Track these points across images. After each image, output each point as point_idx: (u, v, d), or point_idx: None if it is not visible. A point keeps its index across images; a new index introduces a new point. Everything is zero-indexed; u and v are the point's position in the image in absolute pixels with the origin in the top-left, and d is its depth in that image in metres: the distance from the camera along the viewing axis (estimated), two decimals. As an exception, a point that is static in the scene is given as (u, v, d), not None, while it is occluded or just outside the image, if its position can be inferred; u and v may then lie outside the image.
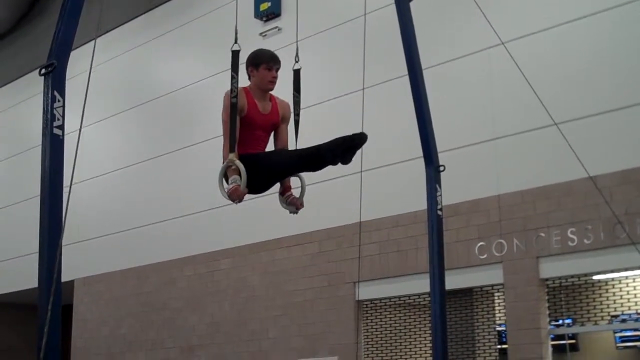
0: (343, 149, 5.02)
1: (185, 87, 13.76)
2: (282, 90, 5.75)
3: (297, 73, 5.94)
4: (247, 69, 5.51)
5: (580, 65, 9.15)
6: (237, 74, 5.34)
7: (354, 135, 5.01)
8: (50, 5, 17.02)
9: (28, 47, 17.52)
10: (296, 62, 5.95)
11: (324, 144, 5.04)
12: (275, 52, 5.62)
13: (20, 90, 17.51)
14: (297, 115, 5.82)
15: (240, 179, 5.13)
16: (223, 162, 5.29)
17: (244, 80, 5.47)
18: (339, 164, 5.09)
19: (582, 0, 9.23)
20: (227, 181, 5.28)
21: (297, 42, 6.19)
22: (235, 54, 5.45)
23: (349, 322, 10.69)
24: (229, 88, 5.30)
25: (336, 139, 5.04)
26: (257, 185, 5.37)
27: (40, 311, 4.31)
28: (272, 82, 5.49)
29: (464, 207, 9.71)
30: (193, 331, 12.70)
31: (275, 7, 12.34)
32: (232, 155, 5.22)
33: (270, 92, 5.56)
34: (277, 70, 5.50)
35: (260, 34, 12.27)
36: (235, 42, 5.53)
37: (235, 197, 5.15)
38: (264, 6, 12.42)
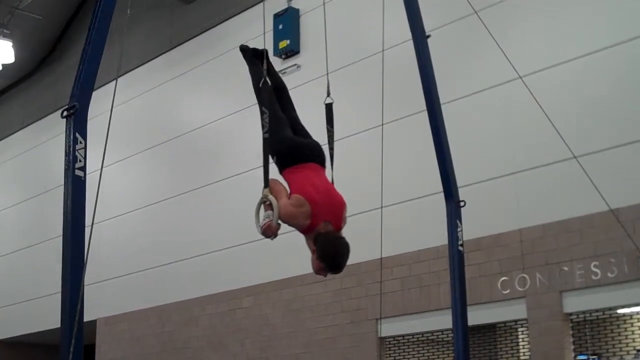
0: None
1: (205, 125, 13.84)
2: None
3: (329, 107, 5.97)
4: (315, 241, 5.19)
5: (599, 97, 9.12)
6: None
7: None
8: (71, 47, 17.24)
9: (50, 88, 17.73)
10: (328, 95, 5.99)
11: None
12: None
13: (42, 130, 17.69)
14: (331, 149, 5.75)
15: (274, 214, 5.02)
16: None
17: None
18: None
19: (600, 32, 9.23)
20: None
21: (327, 74, 6.25)
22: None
23: (372, 359, 10.61)
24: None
25: None
26: None
27: (62, 351, 4.31)
28: (318, 273, 5.29)
29: (486, 242, 9.65)
30: (215, 370, 12.66)
31: (294, 45, 12.42)
32: (265, 191, 5.12)
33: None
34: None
35: (279, 71, 12.32)
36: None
37: (269, 233, 5.06)
38: (283, 44, 12.50)
